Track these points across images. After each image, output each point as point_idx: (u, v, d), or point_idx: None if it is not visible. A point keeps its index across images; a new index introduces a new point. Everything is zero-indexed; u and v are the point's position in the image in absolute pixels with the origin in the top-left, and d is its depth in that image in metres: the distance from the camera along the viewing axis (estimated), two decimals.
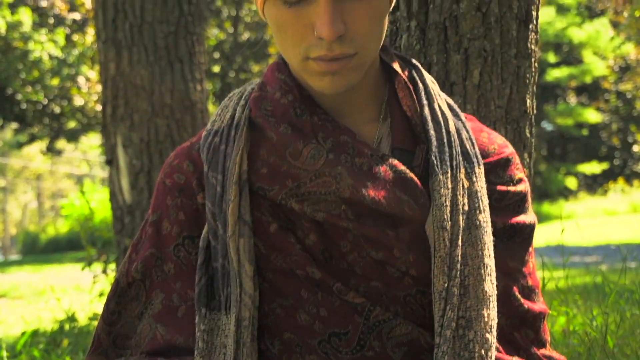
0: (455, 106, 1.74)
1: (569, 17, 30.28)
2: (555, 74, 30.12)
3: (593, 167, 32.40)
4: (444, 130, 1.64)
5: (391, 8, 1.62)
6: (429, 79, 1.73)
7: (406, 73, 1.71)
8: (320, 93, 1.62)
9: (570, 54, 31.90)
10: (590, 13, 32.53)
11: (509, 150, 1.73)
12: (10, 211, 56.96)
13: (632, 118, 34.77)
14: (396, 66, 1.69)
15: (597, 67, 30.43)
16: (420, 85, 1.69)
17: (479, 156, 1.66)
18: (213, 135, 1.70)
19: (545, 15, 28.82)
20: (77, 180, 55.32)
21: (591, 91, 34.10)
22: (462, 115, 1.72)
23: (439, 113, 1.66)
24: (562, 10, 30.66)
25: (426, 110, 1.66)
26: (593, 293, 5.89)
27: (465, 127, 1.69)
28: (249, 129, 1.66)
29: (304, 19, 1.49)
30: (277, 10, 1.52)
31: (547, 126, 32.77)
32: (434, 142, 1.61)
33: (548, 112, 31.06)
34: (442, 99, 1.71)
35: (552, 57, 30.70)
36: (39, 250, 33.82)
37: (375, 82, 1.68)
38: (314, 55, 1.50)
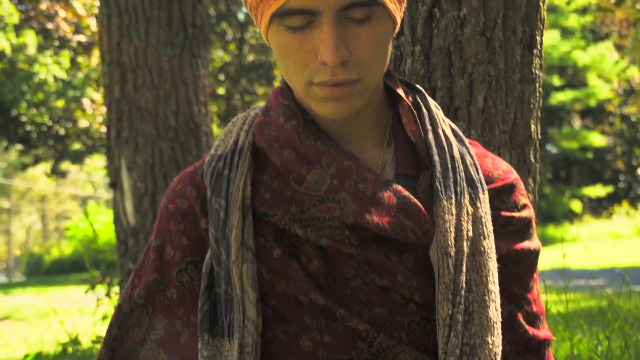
0: (460, 132, 1.74)
1: (573, 41, 30.31)
2: (559, 97, 30.13)
3: (598, 190, 32.37)
4: (448, 155, 1.63)
5: (395, 33, 1.62)
6: (433, 104, 1.73)
7: (410, 98, 1.70)
8: (324, 118, 1.61)
9: (574, 77, 31.93)
10: (595, 36, 32.57)
11: (514, 176, 1.73)
12: (15, 232, 56.98)
13: (636, 141, 34.77)
14: (400, 91, 1.69)
15: (601, 90, 30.45)
16: (425, 110, 1.69)
17: (483, 182, 1.65)
18: (217, 160, 1.69)
19: (550, 38, 28.86)
20: (81, 201, 55.39)
21: (596, 114, 34.12)
22: (467, 140, 1.72)
23: (443, 138, 1.66)
24: (566, 33, 30.70)
25: (430, 135, 1.65)
26: (598, 317, 5.87)
27: (469, 152, 1.68)
28: (252, 154, 1.66)
29: (307, 45, 1.49)
30: (281, 35, 1.52)
31: (551, 149, 32.76)
32: (438, 168, 1.61)
33: (553, 135, 31.07)
34: (446, 125, 1.71)
35: (556, 80, 30.72)
36: (42, 271, 33.79)
37: (379, 108, 1.68)
38: (318, 80, 1.50)
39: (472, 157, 1.68)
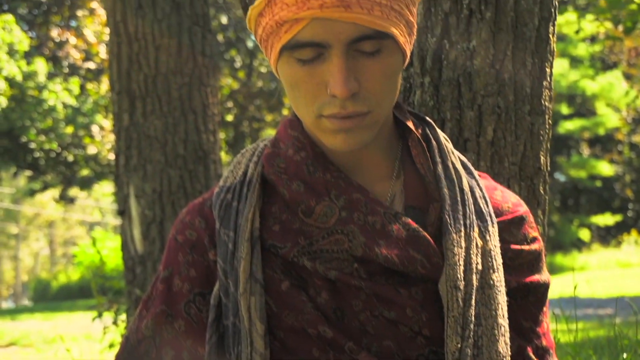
0: (469, 164, 1.73)
1: (581, 69, 30.32)
2: (568, 125, 30.12)
3: (606, 219, 32.28)
4: (457, 188, 1.63)
5: (405, 66, 1.62)
6: (442, 136, 1.72)
7: (420, 130, 1.70)
8: (333, 150, 1.61)
9: (583, 106, 31.93)
10: (604, 65, 32.58)
11: (523, 209, 1.73)
12: (23, 258, 57.01)
13: None
14: (410, 124, 1.69)
15: (610, 119, 30.43)
16: (434, 142, 1.69)
17: (493, 215, 1.65)
18: (225, 191, 1.69)
19: (559, 67, 28.87)
20: (89, 227, 55.39)
21: (604, 143, 34.08)
22: (476, 173, 1.72)
23: (452, 171, 1.66)
24: (575, 62, 30.72)
25: (440, 168, 1.65)
26: (606, 347, 5.84)
27: (478, 185, 1.68)
28: (261, 186, 1.66)
29: (317, 77, 1.49)
30: (290, 68, 1.52)
31: (560, 177, 32.72)
32: (448, 201, 1.61)
33: (561, 163, 31.04)
34: (455, 157, 1.71)
35: (565, 109, 30.72)
36: (50, 297, 33.79)
37: (388, 140, 1.68)
38: (327, 113, 1.50)
39: (481, 190, 1.68)
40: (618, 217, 33.07)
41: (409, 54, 1.60)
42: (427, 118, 1.76)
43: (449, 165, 1.66)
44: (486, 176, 1.78)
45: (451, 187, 1.63)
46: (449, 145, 1.72)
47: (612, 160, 33.33)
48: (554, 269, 24.73)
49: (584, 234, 32.21)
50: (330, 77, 1.47)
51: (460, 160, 1.72)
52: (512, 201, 1.73)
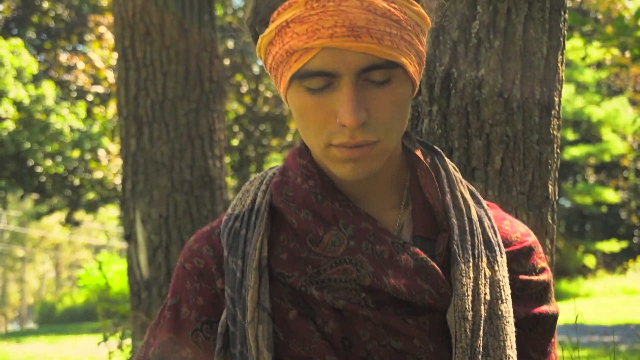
0: (477, 194, 1.73)
1: (587, 95, 30.34)
2: (573, 151, 30.12)
3: (612, 245, 32.19)
4: (466, 218, 1.63)
5: (414, 95, 1.62)
6: (451, 166, 1.72)
7: (428, 160, 1.70)
8: (341, 179, 1.61)
9: (589, 132, 31.93)
10: (609, 91, 32.59)
11: (532, 239, 1.72)
12: (28, 280, 56.99)
13: None
14: (418, 153, 1.69)
15: (615, 145, 30.41)
16: (443, 172, 1.69)
17: (501, 245, 1.65)
18: (234, 220, 1.69)
19: (564, 92, 28.79)
20: (95, 250, 55.41)
21: (610, 169, 34.05)
22: (484, 203, 1.71)
23: (461, 201, 1.66)
24: (581, 87, 30.73)
25: (448, 197, 1.65)
26: None
27: (487, 215, 1.68)
28: (269, 214, 1.66)
29: (326, 106, 1.49)
30: (300, 97, 1.52)
31: (565, 203, 32.68)
32: (456, 231, 1.60)
33: (566, 190, 30.99)
34: (464, 187, 1.71)
35: (570, 135, 30.71)
36: (55, 320, 33.80)
37: (397, 169, 1.68)
38: (337, 142, 1.50)
39: (490, 220, 1.67)
40: (624, 244, 32.98)
41: (418, 84, 1.60)
42: (436, 147, 1.76)
43: (458, 195, 1.66)
44: (495, 206, 1.78)
45: (460, 217, 1.63)
46: (457, 174, 1.72)
47: (617, 186, 33.29)
48: (559, 295, 24.67)
49: (590, 260, 32.13)
50: (340, 106, 1.47)
51: (469, 189, 1.72)
52: (520, 231, 1.72)
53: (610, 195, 30.55)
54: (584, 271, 32.41)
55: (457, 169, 1.75)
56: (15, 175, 21.55)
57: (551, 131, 2.28)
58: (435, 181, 1.67)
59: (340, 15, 1.44)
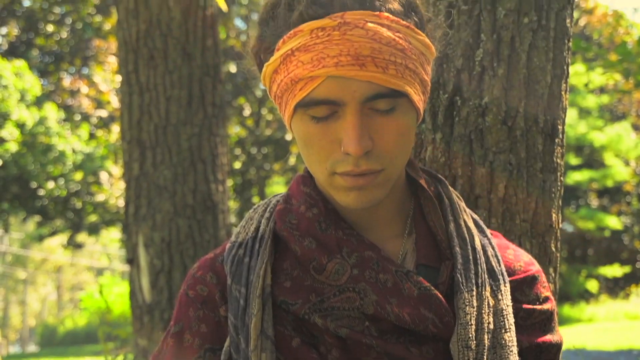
0: (481, 222, 1.73)
1: (590, 120, 30.33)
2: (576, 177, 30.08)
3: (614, 270, 32.11)
4: (469, 247, 1.63)
5: (418, 123, 1.62)
6: (454, 194, 1.73)
7: (432, 188, 1.70)
8: (345, 207, 1.61)
9: (591, 157, 31.90)
10: (612, 116, 32.59)
11: (535, 268, 1.72)
12: (30, 303, 56.92)
13: None
14: (422, 181, 1.69)
15: (618, 170, 30.37)
16: (446, 201, 1.69)
17: (505, 274, 1.65)
18: (237, 247, 1.69)
19: (567, 117, 28.81)
20: (97, 272, 55.36)
21: (613, 194, 34.00)
22: (488, 231, 1.72)
23: (464, 229, 1.66)
24: (583, 112, 30.73)
25: (452, 226, 1.65)
26: None
27: (491, 244, 1.68)
28: (273, 242, 1.66)
29: (331, 135, 1.50)
30: (304, 125, 1.52)
31: (567, 228, 32.62)
32: (460, 259, 1.60)
33: (569, 214, 30.94)
34: (467, 215, 1.71)
35: (573, 160, 30.69)
36: (57, 342, 33.76)
37: (400, 197, 1.68)
38: (341, 170, 1.50)
39: (493, 249, 1.67)
40: (626, 269, 32.89)
41: (422, 112, 1.60)
42: (440, 176, 1.76)
43: (461, 223, 1.67)
44: (498, 234, 1.78)
45: (463, 245, 1.63)
46: (461, 203, 1.72)
47: (620, 211, 33.24)
48: (562, 320, 24.62)
49: (592, 285, 32.04)
50: (344, 134, 1.47)
51: (473, 218, 1.73)
52: (524, 260, 1.72)
53: (613, 221, 30.50)
54: (587, 296, 32.32)
55: (460, 197, 1.75)
56: (18, 198, 21.57)
57: (555, 159, 2.28)
58: (439, 210, 1.67)
59: (345, 44, 1.44)
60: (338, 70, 1.44)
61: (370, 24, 1.45)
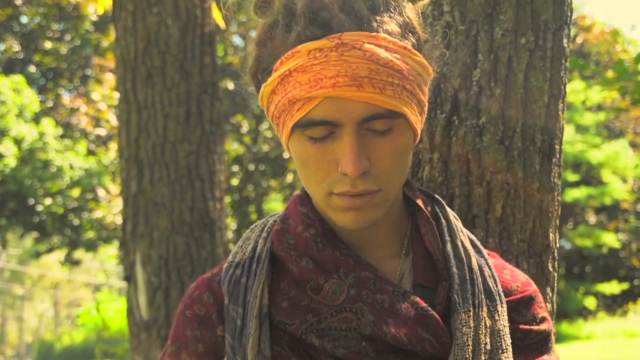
0: (478, 243, 1.74)
1: (587, 137, 30.33)
2: (574, 194, 30.06)
3: (612, 287, 32.09)
4: (466, 267, 1.63)
5: (416, 144, 1.63)
6: (452, 215, 1.73)
7: (429, 209, 1.71)
8: (342, 228, 1.61)
9: (589, 174, 31.89)
10: (610, 133, 32.61)
11: (532, 288, 1.72)
12: (27, 319, 56.79)
13: None
14: (419, 202, 1.69)
15: (616, 188, 30.35)
16: (443, 221, 1.69)
17: (502, 294, 1.65)
18: (234, 267, 1.69)
19: (565, 134, 28.77)
20: (94, 289, 55.25)
21: (610, 211, 33.98)
22: (485, 252, 1.72)
23: (461, 250, 1.66)
24: (581, 129, 30.73)
25: (449, 246, 1.65)
26: None
27: (487, 264, 1.68)
28: (270, 262, 1.66)
29: (328, 155, 1.50)
30: (302, 145, 1.53)
31: (565, 245, 32.59)
32: (457, 280, 1.61)
33: (567, 232, 30.92)
34: (464, 236, 1.71)
35: (571, 177, 30.66)
36: (53, 359, 33.65)
37: (398, 218, 1.68)
38: (338, 191, 1.51)
39: (490, 269, 1.68)
40: (624, 286, 32.88)
41: (419, 132, 1.61)
42: (437, 196, 1.77)
43: (458, 244, 1.67)
44: (495, 255, 1.78)
45: (460, 266, 1.63)
46: (458, 223, 1.73)
47: (617, 228, 33.23)
48: (560, 338, 24.60)
49: (590, 302, 32.01)
50: (342, 155, 1.48)
51: (470, 238, 1.73)
52: (521, 280, 1.73)
53: (611, 238, 30.48)
54: (585, 313, 32.29)
55: (457, 217, 1.76)
56: (15, 214, 21.55)
57: (552, 179, 2.28)
58: (436, 230, 1.67)
59: (343, 65, 1.45)
60: (335, 91, 1.45)
61: (367, 45, 1.46)
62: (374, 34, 1.47)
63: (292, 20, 1.51)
